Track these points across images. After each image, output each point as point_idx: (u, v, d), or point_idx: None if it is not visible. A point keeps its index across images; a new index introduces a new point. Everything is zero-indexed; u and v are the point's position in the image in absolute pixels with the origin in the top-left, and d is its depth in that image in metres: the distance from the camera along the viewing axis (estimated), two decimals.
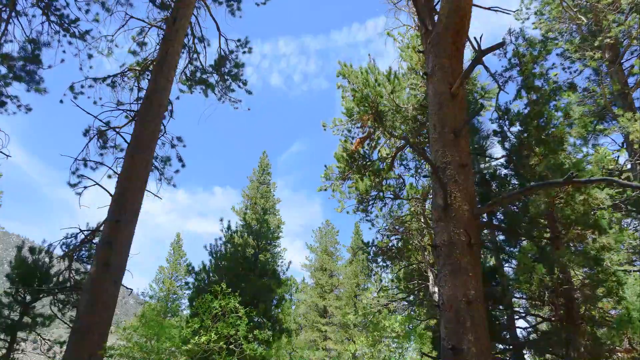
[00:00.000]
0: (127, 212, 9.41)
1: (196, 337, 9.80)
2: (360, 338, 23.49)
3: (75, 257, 12.42)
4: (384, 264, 14.40)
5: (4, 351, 12.92)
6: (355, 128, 13.19)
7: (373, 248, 14.13)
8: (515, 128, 9.43)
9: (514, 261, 9.51)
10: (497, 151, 10.35)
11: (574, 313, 7.88)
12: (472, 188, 5.95)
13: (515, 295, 9.46)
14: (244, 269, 17.44)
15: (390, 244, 13.93)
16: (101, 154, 12.75)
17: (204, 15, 16.36)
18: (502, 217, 9.17)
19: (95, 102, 13.19)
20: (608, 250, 7.81)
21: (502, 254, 10.06)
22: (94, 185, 10.82)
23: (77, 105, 11.07)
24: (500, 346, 9.68)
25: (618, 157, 13.06)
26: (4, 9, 11.81)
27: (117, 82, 13.46)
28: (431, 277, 13.05)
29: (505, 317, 9.44)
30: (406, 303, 15.39)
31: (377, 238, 14.18)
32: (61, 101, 12.86)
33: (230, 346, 10.39)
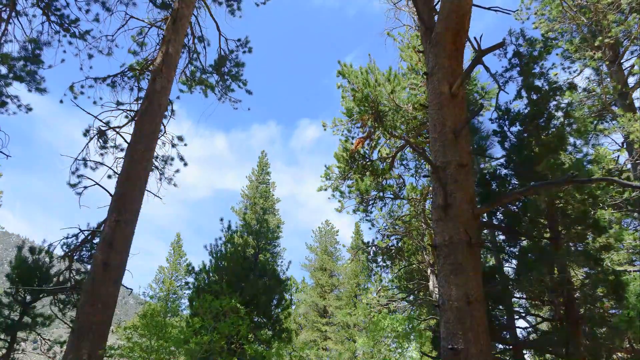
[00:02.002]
0: (127, 212, 9.42)
1: (197, 337, 9.81)
2: (363, 338, 23.49)
3: (76, 257, 12.41)
4: (384, 264, 14.41)
5: (4, 351, 12.92)
6: (355, 128, 13.20)
7: (373, 248, 14.15)
8: (515, 128, 9.44)
9: (514, 261, 9.51)
10: (497, 151, 10.34)
11: (574, 313, 7.88)
12: (472, 188, 5.95)
13: (515, 295, 9.46)
14: (244, 269, 17.44)
15: (390, 244, 13.94)
16: (101, 154, 12.77)
17: (204, 15, 16.38)
18: (502, 217, 9.16)
19: (95, 102, 13.20)
20: (608, 250, 7.82)
21: (502, 253, 10.06)
22: (94, 185, 10.82)
23: (77, 105, 11.08)
24: (500, 346, 9.68)
25: (618, 157, 13.07)
26: (4, 9, 11.81)
27: (117, 82, 13.45)
28: (431, 277, 13.06)
29: (505, 317, 9.43)
30: (406, 303, 15.40)
31: (377, 238, 14.21)
32: (61, 101, 12.87)
33: (232, 346, 10.40)
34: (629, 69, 14.80)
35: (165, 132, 13.59)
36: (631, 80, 14.81)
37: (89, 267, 12.12)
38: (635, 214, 10.60)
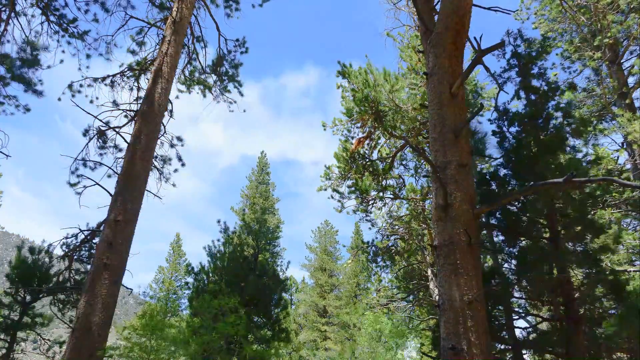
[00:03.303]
0: (127, 212, 9.41)
1: (196, 337, 9.82)
2: (364, 338, 23.51)
3: (75, 257, 12.41)
4: (384, 264, 14.41)
5: (4, 351, 12.92)
6: (355, 128, 13.20)
7: (373, 248, 14.14)
8: (514, 128, 9.44)
9: (513, 261, 9.51)
10: (496, 151, 10.35)
11: (573, 313, 7.89)
12: (472, 188, 5.95)
13: (515, 295, 9.47)
14: (243, 269, 17.44)
15: (390, 244, 13.94)
16: (101, 154, 12.76)
17: (203, 15, 16.38)
18: (502, 217, 9.16)
19: (91, 101, 13.19)
20: (607, 250, 7.82)
21: (501, 254, 10.06)
22: (94, 185, 10.81)
23: (77, 105, 11.06)
24: (500, 346, 9.68)
25: (618, 157, 13.07)
26: (3, 9, 11.80)
27: (116, 82, 13.45)
28: (431, 277, 13.06)
29: (505, 317, 9.43)
30: (406, 303, 15.41)
31: (377, 238, 14.20)
32: (59, 99, 12.87)
33: (231, 346, 10.41)
34: (628, 69, 14.81)
35: (165, 132, 13.59)
36: (631, 80, 14.81)
37: (89, 267, 12.13)
38: (635, 214, 10.60)
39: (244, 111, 18.73)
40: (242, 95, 16.13)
